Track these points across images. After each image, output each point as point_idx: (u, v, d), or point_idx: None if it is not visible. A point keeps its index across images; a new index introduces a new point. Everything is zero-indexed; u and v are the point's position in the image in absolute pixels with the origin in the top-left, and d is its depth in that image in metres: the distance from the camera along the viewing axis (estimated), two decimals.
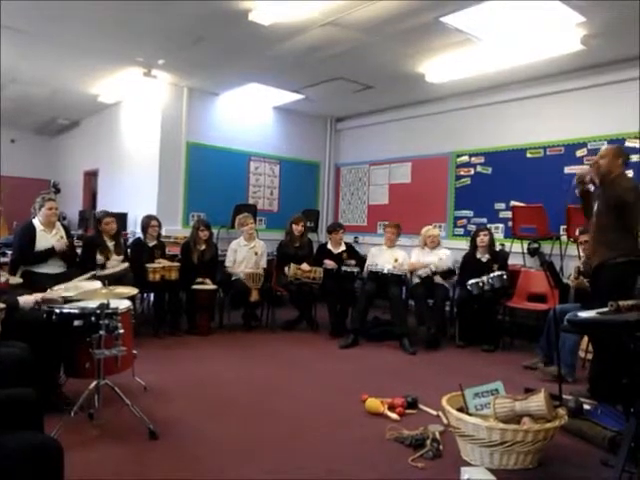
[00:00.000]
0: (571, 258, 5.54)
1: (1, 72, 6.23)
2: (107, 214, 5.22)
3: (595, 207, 3.74)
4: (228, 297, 5.79)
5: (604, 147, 3.86)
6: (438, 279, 5.50)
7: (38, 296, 2.98)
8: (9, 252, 4.81)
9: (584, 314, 2.57)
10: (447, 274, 5.54)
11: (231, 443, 2.86)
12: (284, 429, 3.09)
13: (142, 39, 5.39)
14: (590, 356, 4.11)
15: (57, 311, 2.95)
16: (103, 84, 7.04)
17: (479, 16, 4.43)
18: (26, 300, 2.89)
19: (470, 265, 5.47)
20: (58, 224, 4.68)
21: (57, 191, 7.04)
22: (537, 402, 2.59)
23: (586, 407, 3.19)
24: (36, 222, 4.48)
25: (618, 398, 3.14)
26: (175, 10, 4.61)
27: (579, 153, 5.84)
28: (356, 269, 5.74)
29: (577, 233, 4.99)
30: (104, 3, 4.51)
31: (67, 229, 4.89)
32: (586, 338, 4.26)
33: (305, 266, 5.69)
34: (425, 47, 5.30)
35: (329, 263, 5.83)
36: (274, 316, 5.95)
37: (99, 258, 4.98)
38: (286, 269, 5.73)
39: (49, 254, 4.46)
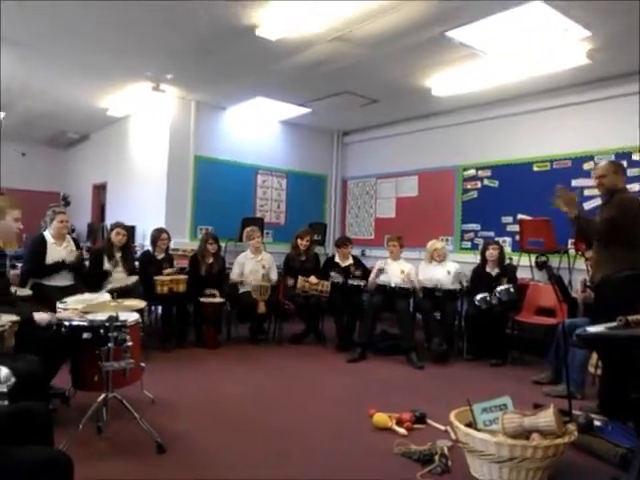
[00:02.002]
0: (579, 272, 5.50)
1: (0, 86, 6.24)
2: (120, 225, 5.26)
3: (598, 221, 3.73)
4: (235, 310, 5.80)
5: (601, 165, 3.84)
6: (439, 294, 5.48)
7: (54, 317, 2.99)
8: (19, 265, 4.85)
9: (593, 329, 2.56)
10: (450, 296, 5.51)
11: (238, 456, 2.86)
12: (291, 443, 3.08)
13: (151, 54, 5.47)
14: (600, 371, 4.07)
15: (66, 323, 2.97)
16: (112, 98, 7.13)
17: (484, 30, 4.46)
18: (41, 317, 2.91)
19: (480, 279, 5.45)
20: (68, 237, 4.74)
21: (67, 204, 7.13)
22: (546, 418, 2.57)
23: (596, 423, 3.15)
24: (47, 235, 4.53)
25: (629, 414, 3.11)
26: (184, 26, 4.69)
27: (586, 166, 5.84)
28: (363, 282, 5.74)
29: (584, 248, 4.98)
30: (114, 19, 4.60)
31: (77, 242, 4.94)
32: (595, 353, 4.23)
33: (313, 279, 5.70)
34: (431, 61, 5.35)
35: (335, 274, 5.82)
36: (281, 329, 5.95)
37: (107, 267, 5.02)
38: (292, 281, 5.73)
39: (60, 267, 4.50)
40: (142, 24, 4.67)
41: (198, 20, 4.52)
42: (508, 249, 6.34)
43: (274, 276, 5.98)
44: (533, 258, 5.93)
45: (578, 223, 3.71)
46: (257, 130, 7.84)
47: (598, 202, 5.39)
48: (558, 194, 3.74)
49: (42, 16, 4.59)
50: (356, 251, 7.14)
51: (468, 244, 6.99)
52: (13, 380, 1.60)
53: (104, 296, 3.59)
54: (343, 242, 6.19)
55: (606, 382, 3.66)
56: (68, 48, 5.34)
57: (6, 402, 1.50)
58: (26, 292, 4.18)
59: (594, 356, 4.28)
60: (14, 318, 2.63)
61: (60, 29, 4.86)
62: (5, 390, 1.52)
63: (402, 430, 3.25)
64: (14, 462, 1.45)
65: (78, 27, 4.80)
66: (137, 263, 5.53)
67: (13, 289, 3.64)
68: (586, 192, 5.70)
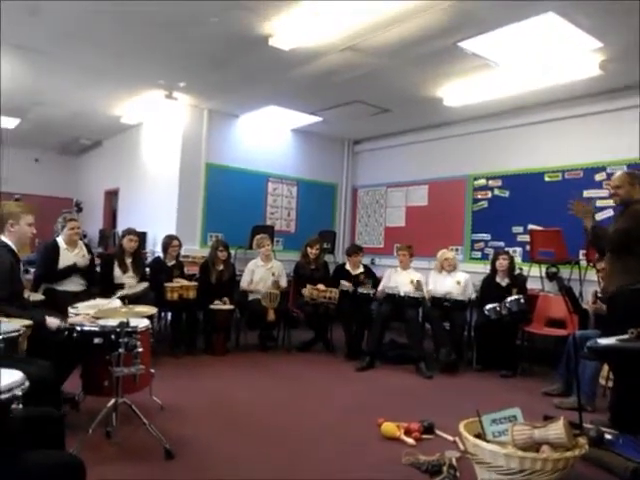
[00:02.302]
0: (590, 283, 5.46)
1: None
2: (133, 231, 5.31)
3: (612, 231, 3.71)
4: (245, 317, 5.81)
5: (616, 176, 3.80)
6: (447, 304, 5.45)
7: (64, 321, 3.02)
8: (32, 270, 4.90)
9: (604, 341, 2.54)
10: (460, 306, 5.48)
11: (245, 463, 2.86)
12: (298, 451, 3.07)
13: (164, 63, 5.54)
14: (611, 384, 4.03)
15: (78, 329, 3.00)
16: (126, 106, 7.22)
17: (496, 41, 4.48)
18: (52, 321, 2.94)
19: (489, 289, 5.43)
20: (80, 243, 4.79)
21: (79, 210, 7.18)
22: (556, 430, 2.55)
23: (607, 437, 3.12)
24: (60, 241, 4.58)
25: None
26: (197, 35, 4.74)
27: (598, 177, 5.82)
28: (372, 290, 5.73)
29: (596, 259, 4.94)
30: (128, 28, 4.67)
31: (89, 247, 4.99)
32: (607, 365, 4.18)
33: (321, 286, 5.70)
34: (443, 71, 5.36)
35: (345, 283, 5.81)
36: (290, 337, 5.95)
37: (117, 272, 5.06)
38: (303, 290, 5.74)
39: (71, 270, 4.54)
40: (156, 32, 4.73)
41: (212, 29, 4.57)
42: (518, 259, 6.31)
43: (284, 283, 5.99)
44: (543, 269, 5.89)
45: (594, 233, 3.67)
46: (268, 138, 7.88)
47: (611, 213, 5.39)
48: (574, 204, 3.72)
49: (56, 24, 4.66)
50: (366, 260, 7.14)
51: (478, 254, 6.96)
52: (27, 384, 1.62)
53: (115, 302, 3.61)
54: (354, 251, 6.18)
55: (617, 395, 3.62)
56: (82, 56, 5.41)
57: (20, 406, 1.52)
58: (39, 297, 4.23)
59: (605, 368, 4.25)
60: (27, 322, 2.67)
61: (74, 37, 4.93)
62: (20, 394, 1.54)
63: (410, 440, 3.24)
64: (28, 466, 1.48)
65: (92, 35, 4.87)
66: (147, 269, 5.56)
67: (26, 294, 3.69)
68: (598, 203, 5.67)
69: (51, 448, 1.69)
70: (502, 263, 5.41)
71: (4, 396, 1.51)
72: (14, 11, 4.35)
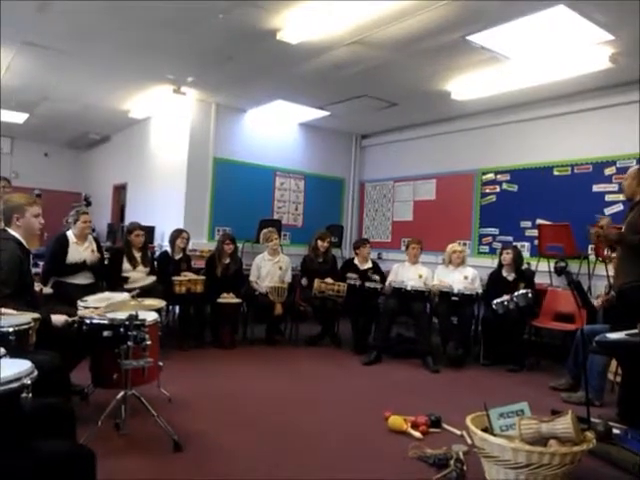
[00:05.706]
0: (599, 278, 5.43)
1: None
2: (138, 226, 5.33)
3: (623, 227, 3.69)
4: (252, 311, 5.83)
5: (631, 169, 3.80)
6: (455, 298, 5.44)
7: (69, 318, 3.03)
8: (41, 263, 4.94)
9: (613, 335, 2.53)
10: (467, 301, 5.45)
11: (253, 456, 2.88)
12: (305, 444, 3.09)
13: (172, 57, 5.54)
14: (619, 379, 4.01)
15: (87, 321, 3.02)
16: (134, 100, 7.24)
17: (505, 34, 4.44)
18: (57, 319, 2.95)
19: (496, 283, 5.41)
20: (90, 237, 4.82)
21: (88, 204, 7.23)
22: (564, 424, 2.54)
23: (615, 431, 3.11)
24: (70, 234, 4.62)
25: None
26: (205, 30, 4.73)
27: (608, 171, 5.77)
28: (380, 285, 5.72)
29: (607, 252, 4.91)
30: (136, 23, 4.67)
31: (97, 241, 5.02)
32: (615, 360, 4.16)
33: (329, 279, 5.71)
34: (451, 65, 5.33)
35: (352, 275, 5.80)
36: (297, 331, 5.97)
37: (127, 267, 5.08)
38: (307, 282, 5.75)
39: (81, 267, 4.57)
40: (164, 27, 4.73)
41: (219, 24, 4.56)
42: (527, 254, 6.27)
43: (288, 278, 6.00)
44: (552, 263, 5.86)
45: (623, 243, 3.63)
46: (276, 132, 7.88)
47: (620, 207, 5.38)
48: (592, 234, 3.72)
49: (65, 20, 4.67)
50: (373, 254, 7.12)
51: (486, 248, 6.93)
52: (36, 373, 1.63)
53: (124, 295, 3.63)
54: (362, 243, 6.18)
55: (626, 389, 3.61)
56: (91, 51, 5.42)
57: (30, 395, 1.53)
58: (47, 290, 4.26)
59: (613, 363, 4.23)
60: (36, 315, 2.69)
61: (82, 32, 4.94)
62: (29, 382, 1.55)
63: (417, 433, 3.25)
64: (40, 455, 1.49)
65: (101, 31, 4.88)
66: (155, 263, 5.58)
67: (38, 287, 3.71)
68: (608, 197, 5.64)
69: (62, 439, 1.72)
70: (505, 257, 5.40)
71: (13, 385, 1.52)
72: (23, 8, 4.36)
